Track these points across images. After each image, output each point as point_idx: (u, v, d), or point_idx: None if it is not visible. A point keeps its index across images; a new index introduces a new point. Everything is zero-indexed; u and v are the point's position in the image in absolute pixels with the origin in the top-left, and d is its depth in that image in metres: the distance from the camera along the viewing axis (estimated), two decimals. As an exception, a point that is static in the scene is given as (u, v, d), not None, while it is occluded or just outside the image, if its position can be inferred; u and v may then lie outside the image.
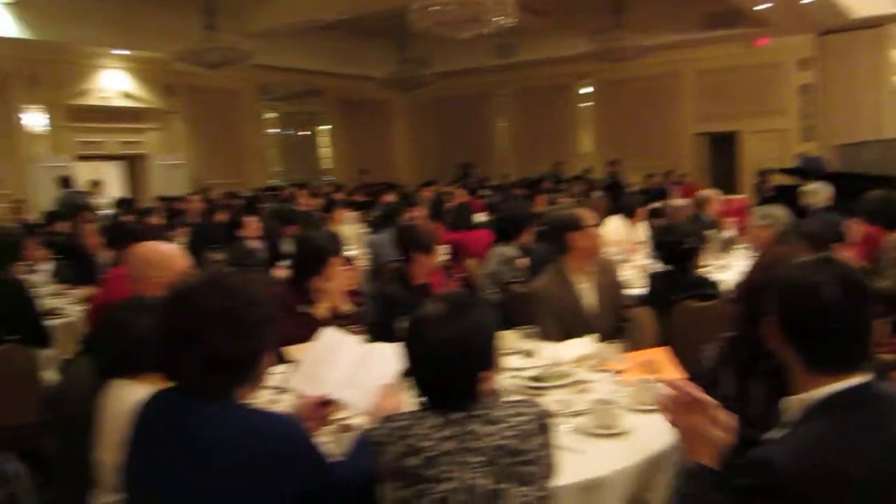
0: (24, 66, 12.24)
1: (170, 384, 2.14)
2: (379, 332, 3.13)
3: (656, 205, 7.81)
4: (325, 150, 17.86)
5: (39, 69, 12.43)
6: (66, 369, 3.51)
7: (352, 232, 6.94)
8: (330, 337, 2.40)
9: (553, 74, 16.77)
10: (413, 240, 3.71)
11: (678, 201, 8.27)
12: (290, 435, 1.69)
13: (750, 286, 2.22)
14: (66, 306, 4.80)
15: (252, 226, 6.18)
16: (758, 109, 14.91)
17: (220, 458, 1.60)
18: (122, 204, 9.86)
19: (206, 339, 1.61)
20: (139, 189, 14.23)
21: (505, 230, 5.25)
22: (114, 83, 13.67)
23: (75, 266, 5.85)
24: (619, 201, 6.84)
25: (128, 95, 13.91)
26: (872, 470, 1.48)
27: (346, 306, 3.45)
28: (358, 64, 15.91)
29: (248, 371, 1.70)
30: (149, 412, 1.74)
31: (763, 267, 2.24)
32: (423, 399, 1.77)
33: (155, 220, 8.39)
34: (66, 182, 11.30)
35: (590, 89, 17.05)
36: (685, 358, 2.87)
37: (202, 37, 10.95)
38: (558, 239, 3.67)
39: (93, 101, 13.43)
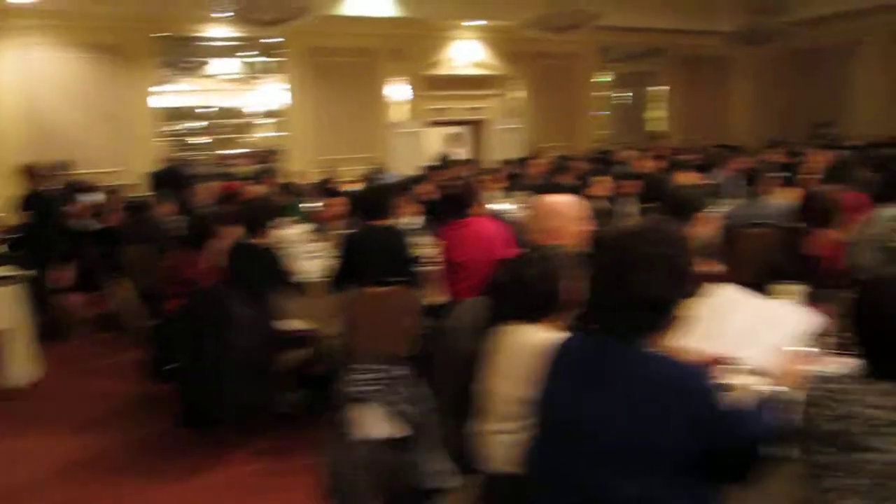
0: (390, 41, 13.70)
1: (558, 329, 2.27)
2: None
3: None
4: (658, 112, 17.34)
5: (402, 44, 13.82)
6: (449, 311, 3.84)
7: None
8: (727, 293, 2.34)
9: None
10: (814, 211, 3.48)
11: None
12: (704, 388, 1.68)
13: None
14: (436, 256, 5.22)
15: (599, 186, 6.25)
16: None
17: (643, 399, 1.65)
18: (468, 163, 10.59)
19: (641, 280, 1.68)
20: (479, 152, 15.18)
21: (888, 190, 4.66)
22: (464, 53, 14.69)
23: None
24: None
25: (475, 64, 14.87)
26: None
27: (710, 265, 3.34)
28: (703, 19, 15.12)
29: (669, 316, 1.74)
30: (570, 352, 1.84)
31: None
32: (863, 364, 1.67)
33: (497, 181, 8.80)
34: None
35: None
36: None
37: (550, 2, 11.25)
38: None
39: (445, 70, 14.60)
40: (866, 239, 4.59)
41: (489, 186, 7.90)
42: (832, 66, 16.27)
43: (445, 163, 10.40)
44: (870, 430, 1.57)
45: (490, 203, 7.11)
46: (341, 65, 13.57)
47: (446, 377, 3.18)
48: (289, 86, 13.25)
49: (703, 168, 8.27)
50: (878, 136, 13.18)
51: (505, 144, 14.63)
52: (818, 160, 7.98)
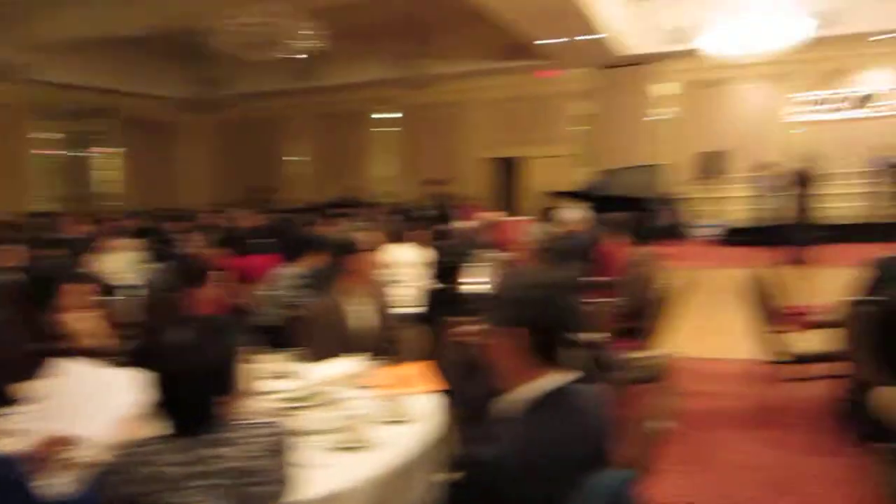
0: None
1: None
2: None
3: (441, 227, 8.10)
4: (107, 172, 16.74)
5: None
6: None
7: (128, 260, 6.54)
8: (67, 371, 2.29)
9: (352, 99, 16.98)
10: (186, 272, 3.62)
11: (463, 223, 8.65)
12: (13, 479, 1.63)
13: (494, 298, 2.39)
14: None
15: (6, 255, 5.69)
16: (541, 136, 16.04)
17: None
18: None
19: None
20: None
21: (288, 252, 5.26)
22: None
23: None
24: (390, 226, 6.96)
25: None
26: (570, 453, 1.69)
27: (96, 340, 3.21)
28: (150, 83, 15.20)
29: None
30: None
31: (506, 280, 2.42)
32: (165, 424, 1.76)
33: None
34: None
35: (390, 114, 17.45)
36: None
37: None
38: (334, 262, 3.75)
39: None
40: (269, 297, 5.09)
41: None
42: (270, 137, 17.98)
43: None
44: (169, 487, 1.66)
45: None
46: None
47: None
48: None
49: (141, 234, 8.20)
50: (310, 201, 14.95)
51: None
52: (248, 223, 8.65)
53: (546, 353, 1.76)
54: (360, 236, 3.88)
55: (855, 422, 2.05)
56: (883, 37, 12.85)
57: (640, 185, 11.86)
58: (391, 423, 2.54)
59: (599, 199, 8.94)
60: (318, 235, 5.63)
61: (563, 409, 1.73)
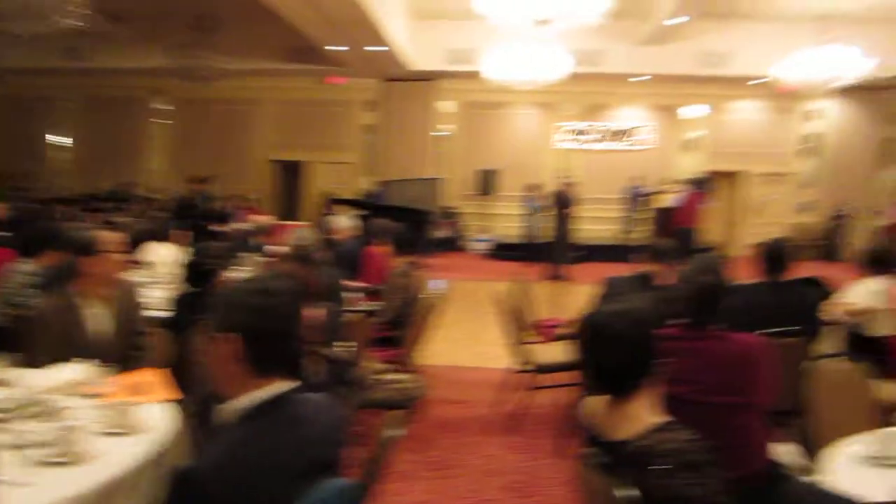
0: None
1: None
2: None
3: (216, 228, 7.81)
4: None
5: None
6: None
7: None
8: None
9: (126, 86, 15.84)
10: None
11: (239, 225, 8.39)
12: None
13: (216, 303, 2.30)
14: None
15: None
16: (327, 142, 15.98)
17: None
18: None
19: None
20: None
21: (26, 247, 4.77)
22: None
23: None
24: (156, 226, 6.58)
25: None
26: (285, 463, 1.65)
27: None
28: None
29: None
30: None
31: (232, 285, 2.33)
32: None
33: None
34: None
35: (166, 106, 16.48)
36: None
37: None
38: (74, 261, 3.44)
39: None
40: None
41: None
42: (29, 119, 16.30)
43: None
44: None
45: None
46: None
47: None
48: None
49: None
50: (77, 192, 13.71)
51: None
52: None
53: (266, 361, 1.72)
54: (108, 235, 3.56)
55: (577, 428, 2.24)
56: (637, 79, 14.32)
57: (418, 197, 12.23)
58: (114, 434, 2.37)
59: (377, 208, 9.07)
60: (60, 230, 5.14)
61: (281, 418, 1.70)
